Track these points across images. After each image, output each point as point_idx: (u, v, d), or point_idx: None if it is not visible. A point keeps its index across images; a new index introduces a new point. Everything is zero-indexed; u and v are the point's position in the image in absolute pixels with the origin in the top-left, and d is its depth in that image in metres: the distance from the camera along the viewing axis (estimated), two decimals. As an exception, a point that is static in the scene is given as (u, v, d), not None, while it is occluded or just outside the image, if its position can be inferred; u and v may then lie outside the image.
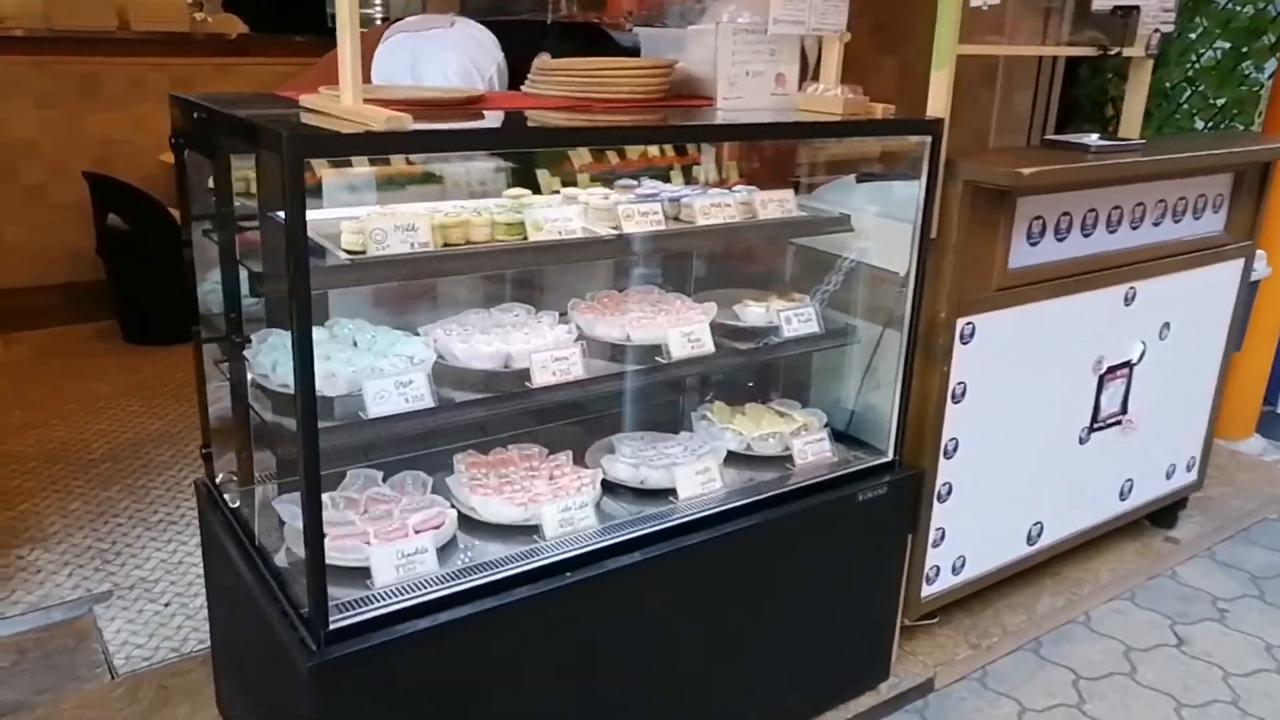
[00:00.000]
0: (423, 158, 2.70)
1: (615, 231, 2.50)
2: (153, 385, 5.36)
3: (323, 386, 2.21)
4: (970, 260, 2.88)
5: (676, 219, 2.75)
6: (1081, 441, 3.47)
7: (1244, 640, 3.56)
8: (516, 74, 3.18)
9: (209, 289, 2.62)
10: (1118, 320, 3.40)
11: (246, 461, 2.55)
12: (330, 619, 2.03)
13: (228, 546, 2.45)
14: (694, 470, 2.70)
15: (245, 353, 2.34)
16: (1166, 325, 3.58)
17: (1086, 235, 3.19)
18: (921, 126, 2.71)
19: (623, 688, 2.53)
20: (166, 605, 3.48)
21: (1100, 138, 3.19)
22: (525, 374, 2.41)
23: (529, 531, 2.46)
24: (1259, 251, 3.89)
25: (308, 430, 1.91)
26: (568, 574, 2.33)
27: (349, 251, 2.19)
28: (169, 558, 3.77)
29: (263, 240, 2.20)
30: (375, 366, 2.29)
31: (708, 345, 2.68)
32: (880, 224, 2.97)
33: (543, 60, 2.79)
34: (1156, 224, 3.43)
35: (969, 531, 3.23)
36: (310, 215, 2.43)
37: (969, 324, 2.95)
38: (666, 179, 3.15)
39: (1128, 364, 3.49)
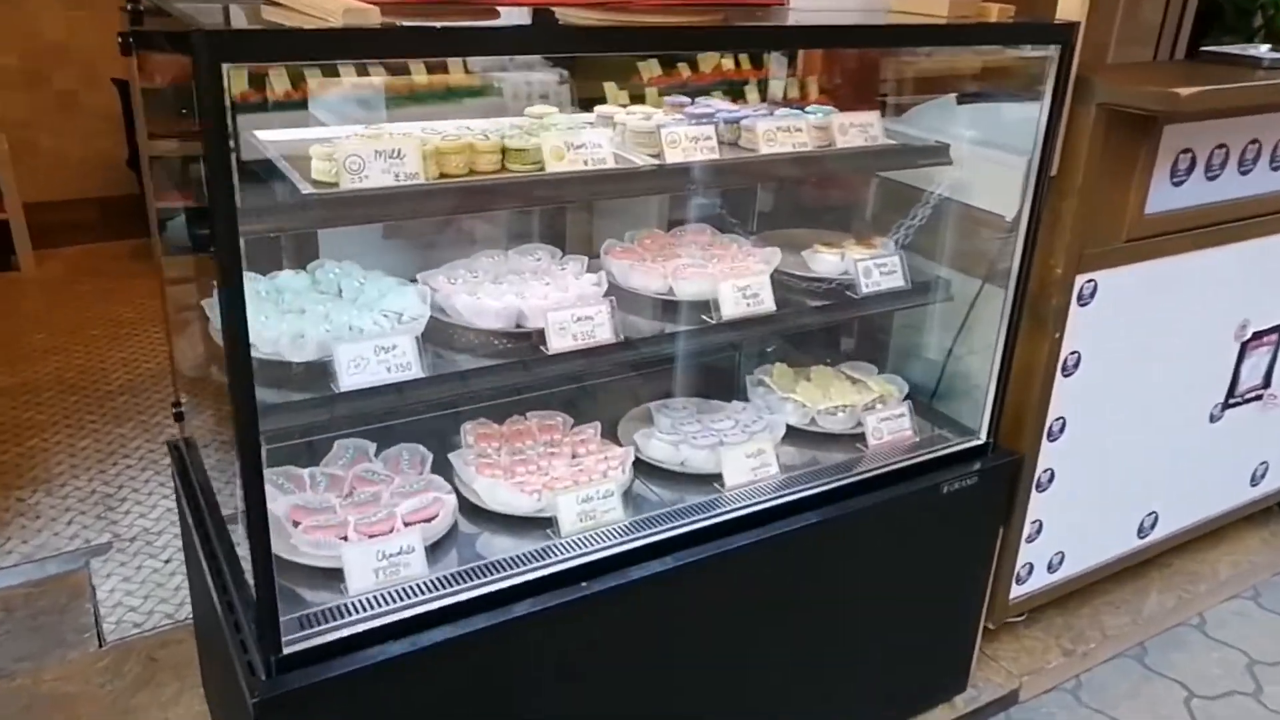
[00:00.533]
0: (461, 67, 2.24)
1: (655, 161, 2.01)
2: (181, 311, 5.08)
3: (288, 350, 1.81)
4: (1098, 203, 2.33)
5: (735, 145, 2.25)
6: (1213, 419, 2.93)
7: (1392, 657, 3.04)
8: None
9: (176, 223, 2.22)
10: (1271, 277, 2.81)
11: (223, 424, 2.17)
12: (284, 641, 1.66)
13: (191, 524, 2.10)
14: (744, 453, 2.25)
15: (204, 302, 1.93)
16: (1327, 283, 2.98)
17: (1245, 173, 2.59)
18: (1049, 33, 2.15)
19: None
20: (167, 562, 3.20)
21: (1272, 49, 2.57)
22: (541, 336, 1.97)
23: (543, 524, 2.05)
24: None
25: (243, 412, 1.50)
26: (583, 584, 1.92)
27: (317, 183, 1.76)
28: (175, 506, 3.47)
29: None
30: (355, 325, 1.87)
31: (767, 303, 2.20)
32: (985, 156, 2.43)
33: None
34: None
35: (1070, 524, 2.74)
36: (285, 136, 2.03)
37: (1090, 281, 2.42)
38: (742, 95, 2.64)
39: (1278, 329, 2.91)
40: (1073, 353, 2.49)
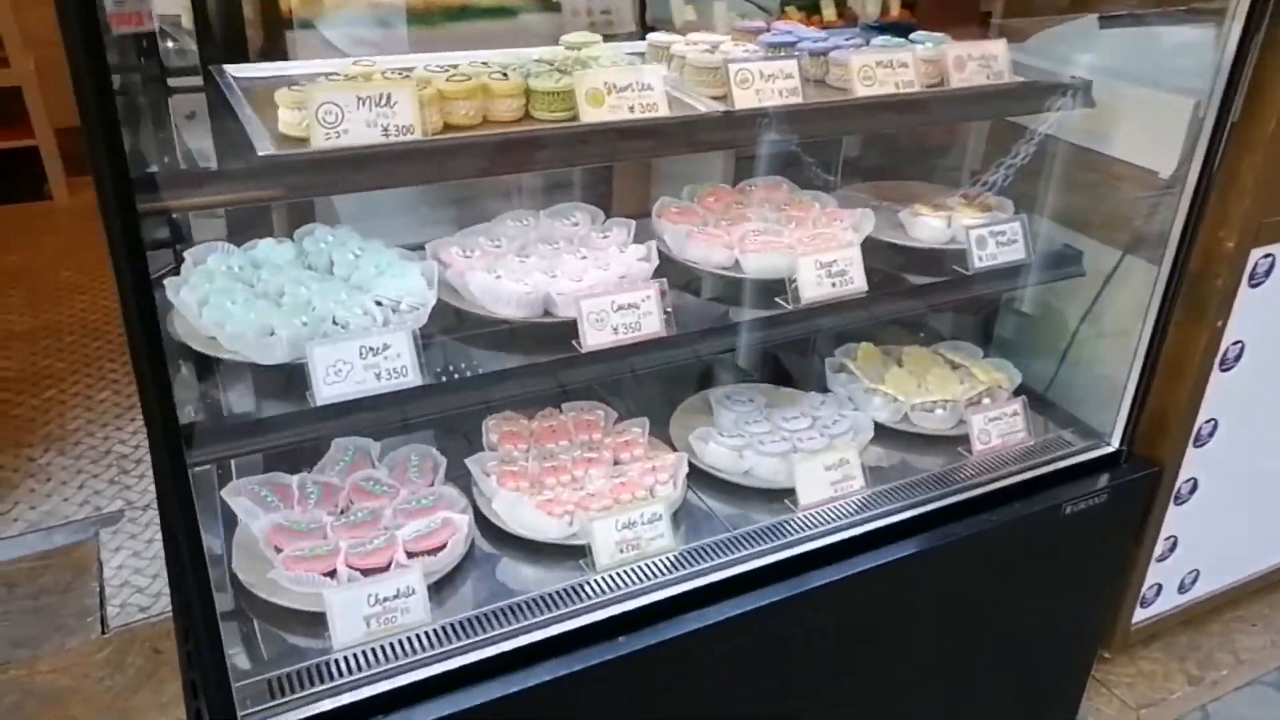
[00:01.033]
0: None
1: (720, 106, 1.58)
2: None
3: (254, 350, 1.44)
4: (1287, 159, 1.83)
5: (822, 82, 1.80)
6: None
7: None
8: None
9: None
10: None
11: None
12: (240, 715, 1.33)
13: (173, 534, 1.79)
14: (823, 464, 1.85)
15: (167, 281, 1.57)
16: None
17: None
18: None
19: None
20: (179, 536, 2.93)
21: None
22: (573, 327, 1.57)
23: (574, 553, 1.68)
24: None
25: (165, 446, 1.14)
26: (620, 638, 1.56)
27: (286, 139, 1.37)
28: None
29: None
30: (340, 316, 1.49)
31: (858, 282, 1.77)
32: (1135, 96, 1.93)
33: None
34: None
35: (1210, 540, 2.30)
36: (266, 71, 1.64)
37: (1267, 257, 1.93)
38: (816, 10, 2.16)
39: None
40: (1235, 343, 2.02)
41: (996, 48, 1.83)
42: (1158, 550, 2.23)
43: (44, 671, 2.49)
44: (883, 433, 2.05)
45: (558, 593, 1.62)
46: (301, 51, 1.86)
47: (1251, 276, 1.94)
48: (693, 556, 1.71)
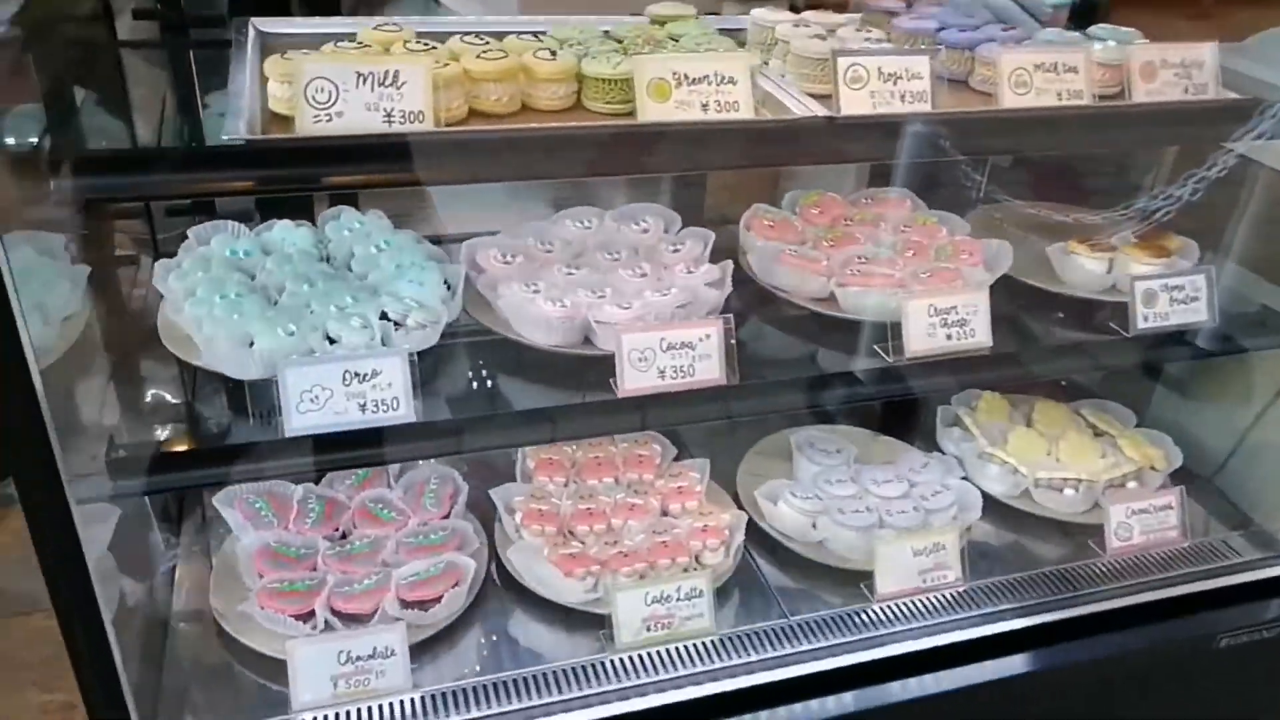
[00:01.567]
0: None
1: (824, 111, 1.25)
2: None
3: (227, 362, 1.23)
4: None
5: (964, 83, 1.45)
6: None
7: None
8: None
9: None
10: None
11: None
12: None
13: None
14: (911, 548, 1.52)
15: (160, 264, 1.38)
16: None
17: None
18: None
19: None
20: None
21: None
22: (614, 364, 1.30)
23: (596, 621, 1.43)
24: None
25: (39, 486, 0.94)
26: (630, 749, 1.30)
27: (277, 117, 1.14)
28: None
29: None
30: (332, 329, 1.25)
31: (980, 335, 1.43)
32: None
33: None
34: None
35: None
36: (295, 28, 1.41)
37: None
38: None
39: None
40: None
41: (1201, 52, 1.42)
42: (1334, 690, 1.79)
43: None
44: (996, 509, 1.70)
45: (567, 671, 1.37)
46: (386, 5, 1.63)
47: None
48: (737, 645, 1.43)
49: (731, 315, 1.31)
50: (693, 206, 1.87)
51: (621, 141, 1.17)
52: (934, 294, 1.42)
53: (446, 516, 1.56)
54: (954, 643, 1.46)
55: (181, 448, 1.16)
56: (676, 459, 1.72)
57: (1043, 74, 1.33)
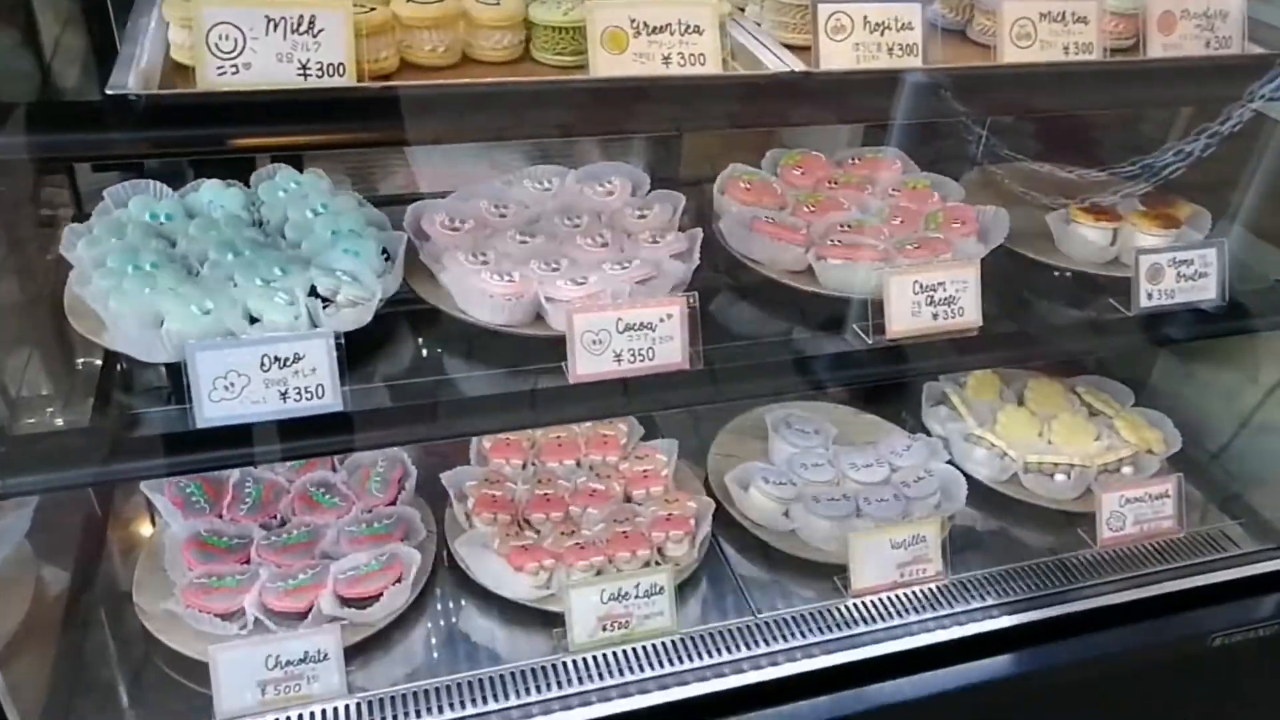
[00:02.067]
0: None
1: (800, 66, 1.11)
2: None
3: (134, 343, 1.10)
4: None
5: (961, 35, 1.31)
6: None
7: None
8: None
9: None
10: None
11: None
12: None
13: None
14: (890, 540, 1.42)
15: (68, 230, 1.24)
16: None
17: None
18: None
19: None
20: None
21: None
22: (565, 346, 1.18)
23: (549, 619, 1.33)
24: None
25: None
26: (579, 759, 1.21)
27: (179, 67, 1.00)
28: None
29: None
30: (254, 306, 1.13)
31: (969, 315, 1.31)
32: None
33: None
34: None
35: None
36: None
37: None
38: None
39: None
40: None
41: (1227, 0, 1.28)
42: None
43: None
44: (982, 494, 1.60)
45: (516, 674, 1.28)
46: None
47: None
48: (700, 645, 1.34)
49: (697, 293, 1.19)
50: (670, 162, 1.74)
51: (570, 99, 1.04)
52: (920, 269, 1.29)
53: (393, 502, 1.45)
54: (934, 644, 1.37)
55: (77, 443, 1.04)
56: (645, 439, 1.61)
57: (1049, 24, 1.20)
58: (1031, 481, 1.60)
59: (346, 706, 1.22)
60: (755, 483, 1.51)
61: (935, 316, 1.30)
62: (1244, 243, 1.53)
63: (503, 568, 1.35)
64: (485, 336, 1.21)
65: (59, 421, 1.12)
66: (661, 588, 1.33)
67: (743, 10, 1.27)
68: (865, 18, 1.13)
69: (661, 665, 1.30)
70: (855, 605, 1.41)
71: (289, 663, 1.20)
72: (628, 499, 1.49)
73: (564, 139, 1.65)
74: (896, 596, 1.42)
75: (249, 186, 1.37)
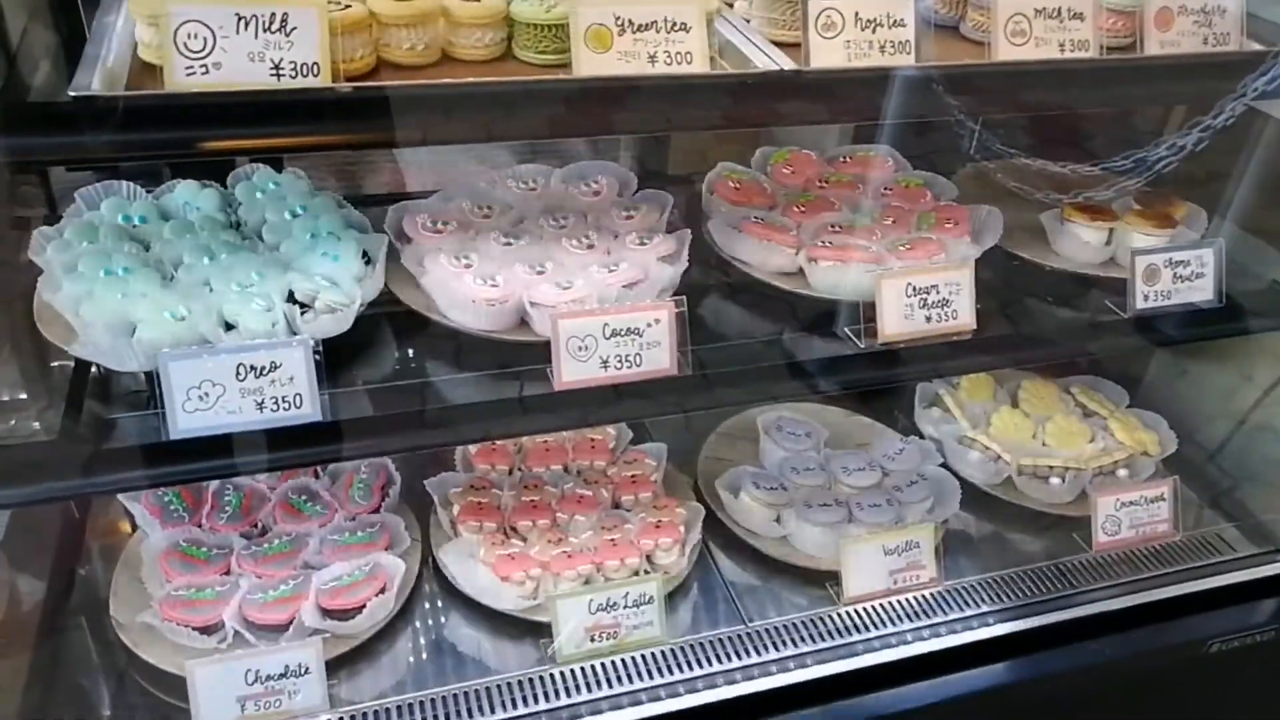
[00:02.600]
0: None
1: (790, 64, 1.09)
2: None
3: (105, 352, 1.07)
4: None
5: (955, 31, 1.29)
6: None
7: None
8: None
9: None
10: None
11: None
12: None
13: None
14: (882, 546, 1.40)
15: (38, 233, 1.21)
16: None
17: None
18: None
19: None
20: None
21: None
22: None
23: (536, 629, 1.30)
24: None
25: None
26: (566, 778, 1.18)
27: (148, 67, 0.97)
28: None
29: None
30: (229, 312, 1.09)
31: (962, 317, 1.28)
32: None
33: None
34: None
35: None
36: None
37: None
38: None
39: None
40: None
41: (1225, -3, 1.25)
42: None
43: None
44: (975, 498, 1.57)
45: (503, 686, 1.25)
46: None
47: None
48: (691, 655, 1.31)
49: (685, 298, 1.16)
50: (658, 158, 1.71)
51: (554, 99, 1.01)
52: (912, 271, 1.26)
53: (377, 510, 1.42)
54: (929, 652, 1.34)
55: (43, 456, 1.00)
56: (634, 443, 1.58)
57: (1044, 21, 1.17)
58: (1026, 485, 1.58)
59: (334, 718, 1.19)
60: (746, 488, 1.48)
61: (928, 319, 1.27)
62: (1240, 242, 1.51)
63: (489, 577, 1.32)
64: (468, 342, 1.18)
65: (26, 430, 1.08)
66: (651, 597, 1.30)
67: (731, 6, 1.24)
68: (856, 14, 1.10)
69: (652, 676, 1.28)
70: (848, 613, 1.39)
71: (269, 677, 1.17)
72: (616, 505, 1.47)
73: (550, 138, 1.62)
74: (890, 604, 1.40)
75: (226, 186, 1.34)
